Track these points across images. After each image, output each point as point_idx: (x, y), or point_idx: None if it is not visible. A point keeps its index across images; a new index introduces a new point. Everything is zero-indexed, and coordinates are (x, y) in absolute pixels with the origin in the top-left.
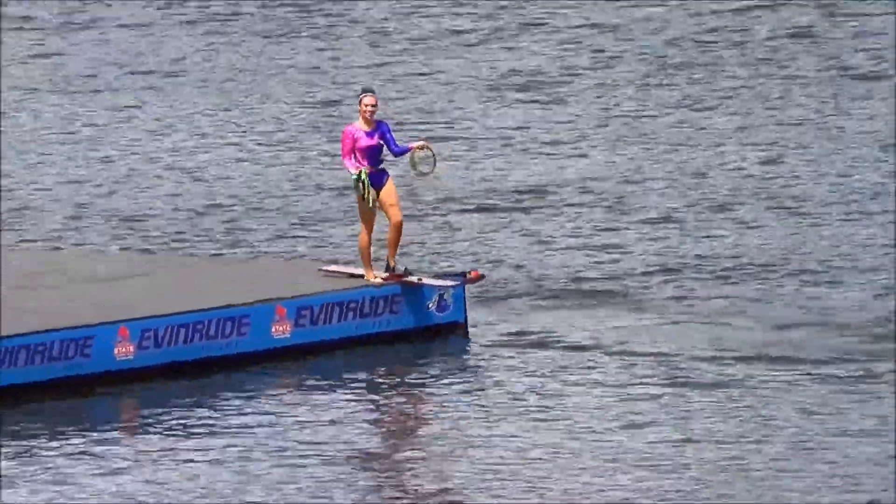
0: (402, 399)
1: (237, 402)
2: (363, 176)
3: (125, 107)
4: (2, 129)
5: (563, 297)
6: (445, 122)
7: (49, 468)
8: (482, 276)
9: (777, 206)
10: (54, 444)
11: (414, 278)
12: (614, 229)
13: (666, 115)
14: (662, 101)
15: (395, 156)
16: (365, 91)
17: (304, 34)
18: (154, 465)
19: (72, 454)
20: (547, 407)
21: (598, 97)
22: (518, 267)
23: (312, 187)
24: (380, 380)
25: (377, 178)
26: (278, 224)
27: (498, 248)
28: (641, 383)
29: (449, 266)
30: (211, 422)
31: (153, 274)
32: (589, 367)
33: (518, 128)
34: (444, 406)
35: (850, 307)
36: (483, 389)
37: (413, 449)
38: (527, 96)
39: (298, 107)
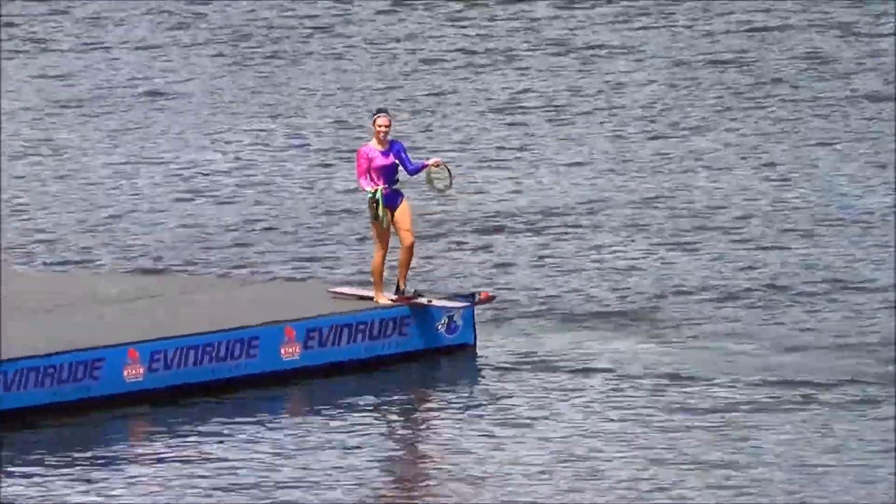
0: (411, 421)
1: (247, 425)
2: (378, 195)
3: (134, 127)
4: (5, 150)
5: (573, 319)
6: (456, 144)
7: (55, 493)
8: (492, 298)
9: (784, 228)
10: (63, 468)
11: (423, 300)
12: (624, 251)
13: (676, 137)
14: (673, 123)
15: (411, 174)
16: (379, 112)
17: (313, 55)
18: (164, 488)
19: (79, 478)
20: (556, 429)
21: (610, 119)
22: (528, 289)
23: (323, 209)
24: (389, 402)
25: (392, 199)
26: (288, 245)
27: (508, 269)
28: (650, 406)
29: (459, 287)
30: (220, 444)
31: (163, 295)
32: (598, 390)
33: (529, 149)
34: (453, 428)
35: (857, 329)
36: (492, 411)
37: (421, 470)
38: (538, 118)
39: (310, 127)
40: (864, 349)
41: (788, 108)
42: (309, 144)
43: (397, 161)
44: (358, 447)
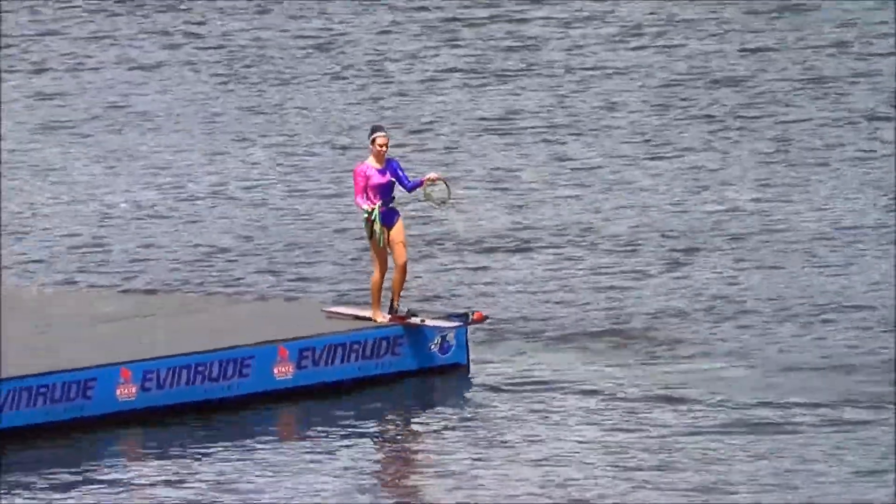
0: (402, 442)
1: (238, 446)
2: (375, 213)
3: (129, 147)
4: (3, 171)
5: (567, 339)
6: (450, 163)
7: None
8: (485, 318)
9: (782, 248)
10: (55, 489)
11: (417, 319)
12: (618, 272)
13: (671, 157)
14: (668, 143)
15: (409, 191)
16: (377, 130)
17: (307, 74)
18: None
19: (71, 498)
20: (548, 451)
21: (605, 139)
22: (522, 308)
23: (317, 228)
24: (381, 422)
25: (389, 217)
26: (282, 264)
27: (502, 289)
28: (644, 427)
29: (452, 307)
30: (211, 465)
31: (156, 315)
32: (592, 411)
33: (523, 169)
34: (445, 448)
35: (855, 350)
36: (484, 432)
37: (411, 491)
38: (533, 137)
39: (303, 146)
40: (861, 370)
41: (786, 128)
42: (303, 163)
43: (394, 179)
44: (349, 468)
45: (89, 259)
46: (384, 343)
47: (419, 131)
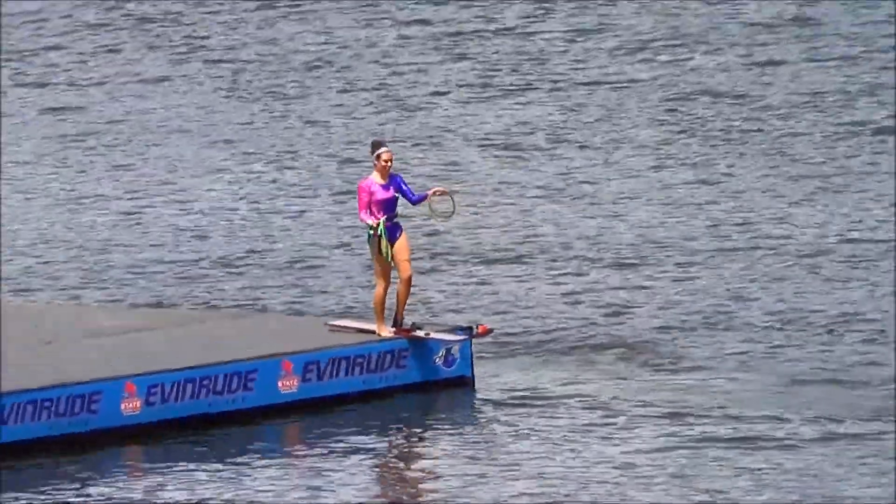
0: (406, 455)
1: (243, 459)
2: (381, 228)
3: (133, 161)
4: (7, 183)
5: (572, 352)
6: (453, 176)
7: None
8: (490, 331)
9: (786, 262)
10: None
11: (421, 333)
12: (623, 285)
13: (674, 171)
14: (672, 157)
15: (414, 204)
16: (381, 145)
17: (313, 89)
18: None
19: None
20: (552, 464)
21: (609, 153)
22: (526, 322)
23: (321, 242)
24: (385, 435)
25: (392, 232)
26: (286, 278)
27: (506, 302)
28: (648, 440)
29: (457, 319)
30: (216, 478)
31: (160, 329)
32: (596, 425)
33: (527, 183)
34: (449, 463)
35: (857, 364)
36: (487, 446)
37: None
38: (535, 152)
39: (306, 161)
40: (863, 384)
41: (790, 141)
42: (306, 178)
43: (398, 194)
44: (352, 482)
45: (92, 272)
46: (388, 356)
47: (422, 145)
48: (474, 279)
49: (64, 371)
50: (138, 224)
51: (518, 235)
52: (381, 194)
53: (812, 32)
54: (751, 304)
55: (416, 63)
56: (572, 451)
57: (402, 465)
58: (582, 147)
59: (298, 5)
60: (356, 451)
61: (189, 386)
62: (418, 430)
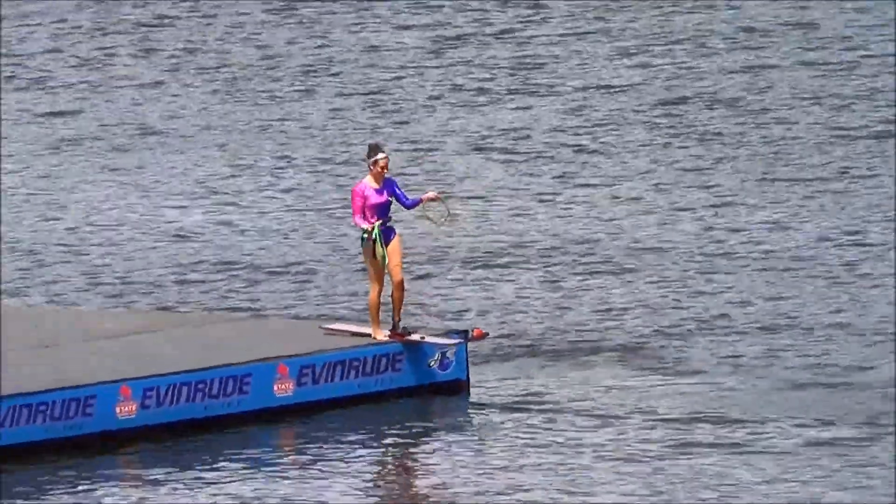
0: (401, 458)
1: (239, 462)
2: (376, 232)
3: (132, 166)
4: (5, 188)
5: (567, 356)
6: (449, 180)
7: None
8: (485, 335)
9: (783, 266)
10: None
11: (416, 336)
12: (620, 289)
13: (670, 175)
14: (668, 161)
15: (409, 208)
16: (378, 150)
17: (308, 93)
18: None
19: None
20: (547, 469)
21: (606, 158)
22: (522, 325)
23: (315, 245)
24: (380, 438)
25: (385, 235)
26: (280, 282)
27: (501, 306)
28: (644, 445)
29: (453, 323)
30: (211, 482)
31: (155, 332)
32: (591, 429)
33: (525, 186)
34: (444, 466)
35: (854, 368)
36: (482, 449)
37: None
38: (532, 155)
39: (302, 165)
40: (861, 388)
41: (788, 145)
42: (303, 181)
43: (392, 198)
44: (347, 485)
45: (89, 277)
46: (384, 360)
47: (417, 149)
48: (469, 283)
49: (63, 374)
50: (133, 229)
51: (513, 239)
52: (375, 198)
53: (809, 36)
54: (747, 308)
55: (412, 66)
56: (567, 454)
57: (397, 468)
58: (577, 150)
59: (294, 9)
60: (351, 454)
61: (184, 389)
62: (413, 434)
